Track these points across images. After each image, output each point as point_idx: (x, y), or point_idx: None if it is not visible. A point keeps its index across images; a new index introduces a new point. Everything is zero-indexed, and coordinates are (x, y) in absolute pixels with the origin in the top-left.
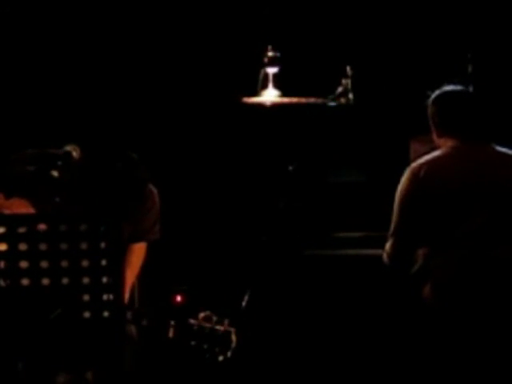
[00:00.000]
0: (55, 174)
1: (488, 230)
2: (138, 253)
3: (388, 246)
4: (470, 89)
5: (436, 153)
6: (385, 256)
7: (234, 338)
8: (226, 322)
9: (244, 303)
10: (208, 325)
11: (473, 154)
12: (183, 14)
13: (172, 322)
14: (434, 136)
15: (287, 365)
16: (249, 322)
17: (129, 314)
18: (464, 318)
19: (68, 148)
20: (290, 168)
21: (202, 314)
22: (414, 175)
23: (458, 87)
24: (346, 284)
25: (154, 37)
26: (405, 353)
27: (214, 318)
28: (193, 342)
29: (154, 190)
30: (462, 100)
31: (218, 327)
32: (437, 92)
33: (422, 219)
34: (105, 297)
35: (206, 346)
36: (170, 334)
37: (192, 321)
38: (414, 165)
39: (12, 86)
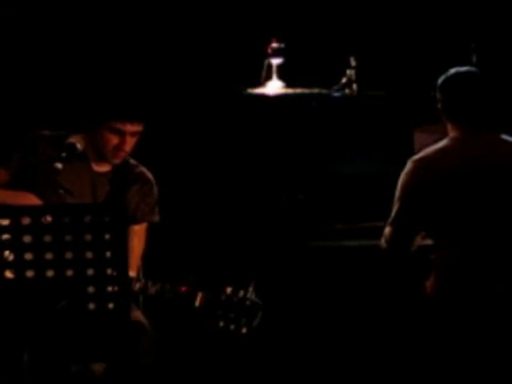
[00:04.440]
0: (59, 166)
1: (492, 223)
2: (139, 234)
3: (387, 232)
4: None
5: (438, 145)
6: (383, 241)
7: (260, 310)
8: (254, 295)
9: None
10: (235, 297)
11: (477, 145)
12: (187, 5)
13: (200, 293)
14: (444, 121)
15: (289, 355)
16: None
17: (136, 286)
18: (467, 312)
19: (72, 139)
20: (294, 160)
21: (229, 288)
22: (416, 168)
23: (464, 70)
24: (350, 275)
25: (156, 28)
26: (407, 345)
27: (241, 292)
28: (219, 312)
29: (150, 176)
30: (466, 86)
31: (245, 299)
32: (442, 77)
33: (423, 212)
34: (109, 288)
35: (232, 316)
36: (197, 304)
37: (219, 292)
38: (415, 157)
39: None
